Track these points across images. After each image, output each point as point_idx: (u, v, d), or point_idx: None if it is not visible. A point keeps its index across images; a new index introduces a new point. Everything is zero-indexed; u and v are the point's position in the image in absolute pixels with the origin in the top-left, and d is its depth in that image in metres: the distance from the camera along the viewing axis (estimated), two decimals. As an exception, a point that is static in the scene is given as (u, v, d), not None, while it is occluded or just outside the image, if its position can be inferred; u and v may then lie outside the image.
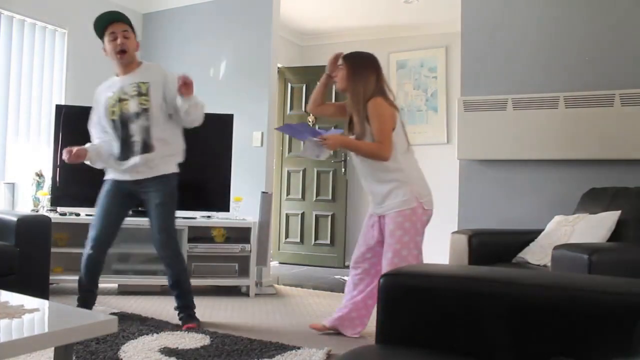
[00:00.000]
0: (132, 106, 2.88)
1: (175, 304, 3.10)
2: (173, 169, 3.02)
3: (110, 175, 3.06)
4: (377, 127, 2.70)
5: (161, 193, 2.97)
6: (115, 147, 2.96)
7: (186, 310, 3.05)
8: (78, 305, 3.01)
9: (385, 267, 2.75)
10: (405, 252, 2.72)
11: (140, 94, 2.88)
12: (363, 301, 2.92)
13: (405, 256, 2.71)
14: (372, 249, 2.93)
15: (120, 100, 2.90)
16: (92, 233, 3.03)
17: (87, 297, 3.06)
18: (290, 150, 5.98)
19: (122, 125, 2.92)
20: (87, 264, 3.02)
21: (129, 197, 3.08)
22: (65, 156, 2.93)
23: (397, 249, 2.72)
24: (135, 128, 2.89)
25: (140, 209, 4.17)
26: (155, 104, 2.89)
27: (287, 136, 5.97)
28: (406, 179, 2.75)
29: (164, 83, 2.93)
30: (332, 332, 2.96)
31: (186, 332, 2.86)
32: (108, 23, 2.89)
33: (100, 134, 3.04)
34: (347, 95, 2.86)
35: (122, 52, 2.90)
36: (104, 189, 3.06)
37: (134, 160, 2.91)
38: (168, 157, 2.99)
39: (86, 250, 3.03)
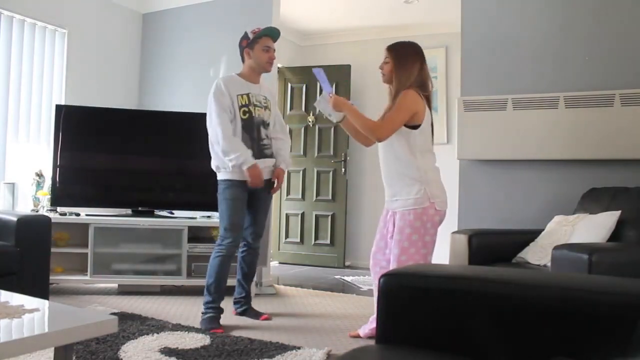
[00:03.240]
0: (265, 115, 3.25)
1: (237, 295, 3.37)
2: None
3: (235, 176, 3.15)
4: (392, 113, 2.70)
5: (269, 195, 3.35)
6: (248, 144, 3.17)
7: (249, 300, 3.37)
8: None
9: (392, 264, 2.74)
10: (413, 251, 2.70)
11: (266, 108, 3.26)
12: None
13: (413, 254, 2.69)
14: (389, 244, 2.87)
15: (253, 104, 3.19)
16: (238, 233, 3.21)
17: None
18: (290, 150, 5.97)
19: (254, 126, 3.19)
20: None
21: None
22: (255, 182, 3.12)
23: (405, 246, 2.70)
24: (265, 133, 3.24)
25: (140, 209, 4.20)
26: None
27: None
28: (421, 178, 2.72)
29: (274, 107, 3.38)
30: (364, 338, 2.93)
31: (184, 331, 2.85)
32: (267, 36, 3.23)
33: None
34: (391, 86, 2.84)
35: (270, 66, 3.27)
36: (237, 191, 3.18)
37: (268, 161, 3.23)
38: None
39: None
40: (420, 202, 2.70)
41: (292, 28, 5.89)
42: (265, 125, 3.23)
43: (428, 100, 2.87)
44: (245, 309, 3.35)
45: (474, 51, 3.84)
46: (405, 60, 2.81)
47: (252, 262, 3.38)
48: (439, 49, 5.65)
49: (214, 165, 3.22)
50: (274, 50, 3.27)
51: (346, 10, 5.37)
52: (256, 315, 3.30)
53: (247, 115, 3.14)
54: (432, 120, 2.87)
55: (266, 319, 3.27)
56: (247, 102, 3.16)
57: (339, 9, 5.37)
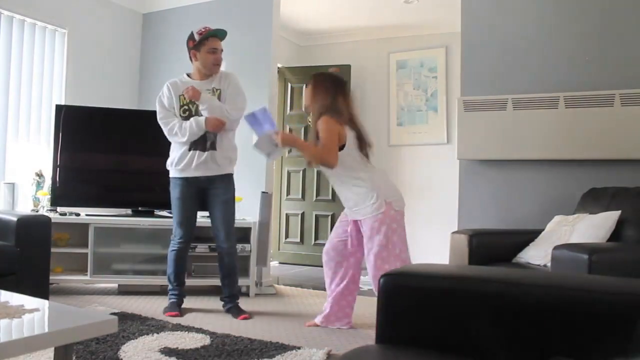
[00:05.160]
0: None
1: (222, 295, 3.42)
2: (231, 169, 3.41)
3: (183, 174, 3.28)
4: (323, 138, 2.87)
5: (228, 190, 3.36)
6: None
7: (234, 300, 3.38)
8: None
9: (370, 270, 2.92)
10: (386, 253, 2.87)
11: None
12: (343, 297, 3.11)
13: (386, 257, 2.86)
14: (344, 242, 3.09)
15: (194, 102, 3.23)
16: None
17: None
18: (290, 150, 5.97)
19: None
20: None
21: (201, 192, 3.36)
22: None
23: (377, 251, 2.87)
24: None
25: (140, 209, 4.19)
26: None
27: (287, 136, 5.97)
28: (372, 187, 2.91)
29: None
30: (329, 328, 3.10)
31: (184, 331, 2.85)
32: (214, 37, 3.24)
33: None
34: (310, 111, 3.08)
35: (217, 67, 3.30)
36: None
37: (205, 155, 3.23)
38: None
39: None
40: (378, 207, 2.87)
41: (292, 28, 5.89)
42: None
43: (352, 119, 3.03)
44: (230, 307, 3.38)
45: (474, 51, 3.84)
46: (319, 90, 3.03)
47: (224, 262, 3.39)
48: (439, 49, 5.65)
49: (167, 163, 3.34)
50: (221, 51, 3.29)
51: (346, 10, 5.37)
52: (237, 314, 3.32)
53: (187, 113, 3.25)
54: (360, 133, 3.01)
55: (244, 318, 3.26)
56: (188, 101, 3.24)
57: (339, 9, 5.37)
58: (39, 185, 4.04)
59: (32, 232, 3.08)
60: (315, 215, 5.88)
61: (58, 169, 3.99)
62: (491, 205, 3.72)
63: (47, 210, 3.95)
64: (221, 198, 3.32)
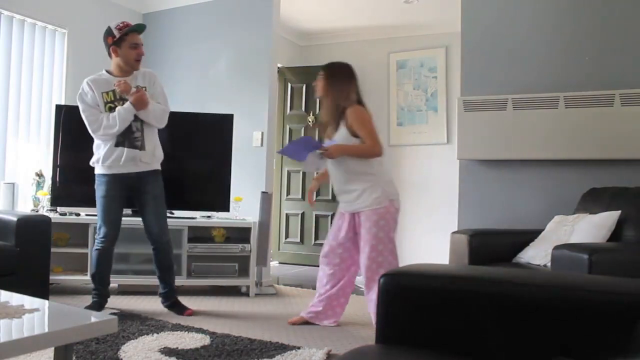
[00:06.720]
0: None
1: (162, 291, 3.36)
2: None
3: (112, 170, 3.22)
4: (365, 129, 2.97)
5: (157, 186, 3.29)
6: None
7: (174, 295, 3.36)
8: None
9: (363, 261, 2.98)
10: (381, 247, 2.94)
11: None
12: (336, 298, 3.16)
13: (381, 250, 2.94)
14: (342, 245, 3.12)
15: (118, 99, 3.17)
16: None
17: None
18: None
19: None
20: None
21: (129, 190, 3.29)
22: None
23: (373, 244, 2.94)
24: (135, 126, 3.19)
25: (135, 208, 4.18)
26: None
27: (287, 136, 5.98)
28: (378, 181, 2.99)
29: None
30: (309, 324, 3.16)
31: (184, 331, 2.86)
32: (134, 32, 3.19)
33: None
34: (323, 102, 3.13)
35: (139, 63, 3.23)
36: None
37: (139, 153, 3.19)
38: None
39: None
40: (380, 201, 2.95)
41: (292, 28, 5.89)
42: (135, 117, 3.16)
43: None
44: (170, 303, 3.36)
45: (474, 51, 3.84)
46: (337, 80, 3.06)
47: (162, 256, 3.34)
48: (439, 49, 5.65)
49: (92, 161, 3.29)
50: (142, 44, 3.22)
51: (346, 10, 5.37)
52: (180, 310, 3.31)
53: (112, 110, 3.16)
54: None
55: (190, 314, 3.26)
56: (112, 99, 3.17)
57: (339, 9, 5.37)
58: (39, 185, 4.04)
59: (32, 232, 3.08)
60: (315, 215, 5.88)
61: (58, 169, 3.99)
62: (491, 205, 3.72)
63: (47, 210, 3.95)
64: (152, 194, 3.27)
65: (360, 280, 3.21)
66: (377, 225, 2.93)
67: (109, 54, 3.22)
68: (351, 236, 3.09)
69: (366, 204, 2.96)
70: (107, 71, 3.25)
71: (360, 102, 3.08)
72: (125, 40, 3.15)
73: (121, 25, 3.16)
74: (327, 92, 3.06)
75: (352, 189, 3.01)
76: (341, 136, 3.01)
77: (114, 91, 3.17)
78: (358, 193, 2.99)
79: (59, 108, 4.05)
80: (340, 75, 3.08)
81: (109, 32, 3.17)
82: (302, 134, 5.93)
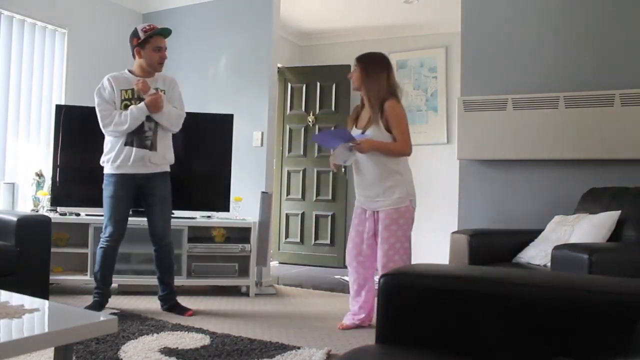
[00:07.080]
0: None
1: (161, 293, 3.38)
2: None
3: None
4: (399, 127, 2.97)
5: (165, 188, 3.34)
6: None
7: (175, 297, 3.38)
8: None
9: (380, 258, 2.99)
10: (398, 245, 2.98)
11: None
12: (371, 300, 3.13)
13: (398, 249, 2.97)
14: (367, 242, 3.09)
15: (136, 98, 3.20)
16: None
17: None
18: (290, 150, 5.98)
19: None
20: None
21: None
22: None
23: (392, 242, 2.97)
24: (148, 126, 3.22)
25: (140, 209, 4.18)
26: None
27: (287, 136, 5.98)
28: (403, 180, 3.02)
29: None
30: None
31: (184, 331, 2.86)
32: (159, 35, 3.22)
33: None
34: (362, 93, 3.09)
35: (161, 66, 3.28)
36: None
37: (148, 153, 3.21)
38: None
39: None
40: (401, 201, 2.98)
41: (292, 28, 5.89)
42: (149, 118, 3.18)
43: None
44: (170, 305, 3.36)
45: (474, 51, 3.84)
46: (372, 71, 3.03)
47: (164, 257, 3.36)
48: (439, 49, 5.66)
49: (102, 160, 3.29)
50: (166, 49, 3.27)
51: (346, 10, 5.37)
52: (181, 311, 3.31)
53: (127, 108, 3.17)
54: None
55: (190, 315, 3.27)
56: (130, 97, 3.20)
57: (339, 9, 5.37)
58: (39, 185, 4.04)
59: (32, 232, 3.08)
60: (315, 215, 5.88)
61: (58, 169, 3.99)
62: (491, 205, 3.72)
63: (47, 210, 3.95)
64: (159, 196, 3.29)
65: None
66: (397, 223, 2.96)
67: (133, 55, 3.25)
68: (372, 234, 3.08)
69: (390, 202, 2.97)
70: (129, 70, 3.28)
71: (394, 93, 3.03)
72: (150, 43, 3.18)
73: (147, 27, 3.20)
74: (364, 84, 3.02)
75: (380, 185, 3.00)
76: (376, 129, 2.98)
77: (132, 90, 3.19)
78: (382, 191, 2.99)
79: (59, 108, 4.05)
80: (377, 67, 3.04)
81: (134, 34, 3.21)
82: (302, 134, 5.93)
